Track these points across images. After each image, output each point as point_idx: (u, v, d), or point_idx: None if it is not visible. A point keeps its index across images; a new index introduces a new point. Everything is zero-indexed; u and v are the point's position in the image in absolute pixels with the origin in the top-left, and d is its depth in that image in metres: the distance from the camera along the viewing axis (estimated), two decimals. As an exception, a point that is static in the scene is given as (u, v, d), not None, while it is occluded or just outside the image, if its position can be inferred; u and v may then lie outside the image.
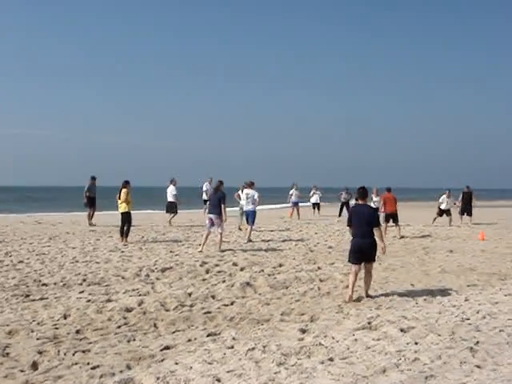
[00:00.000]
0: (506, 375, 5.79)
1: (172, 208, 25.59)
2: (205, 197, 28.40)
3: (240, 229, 22.85)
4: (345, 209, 30.07)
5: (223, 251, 16.40)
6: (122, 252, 15.97)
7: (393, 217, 21.92)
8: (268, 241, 19.51)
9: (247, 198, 19.86)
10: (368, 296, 10.49)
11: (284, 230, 23.72)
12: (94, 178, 25.06)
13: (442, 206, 27.88)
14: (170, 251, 16.21)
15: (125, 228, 18.36)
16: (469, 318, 8.55)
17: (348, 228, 10.95)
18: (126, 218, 18.36)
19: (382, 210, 21.63)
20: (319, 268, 13.62)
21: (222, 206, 16.71)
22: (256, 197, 19.75)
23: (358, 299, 10.30)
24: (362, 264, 10.46)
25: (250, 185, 20.08)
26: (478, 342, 7.13)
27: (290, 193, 32.75)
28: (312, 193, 34.50)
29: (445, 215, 27.78)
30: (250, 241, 19.13)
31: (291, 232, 23.15)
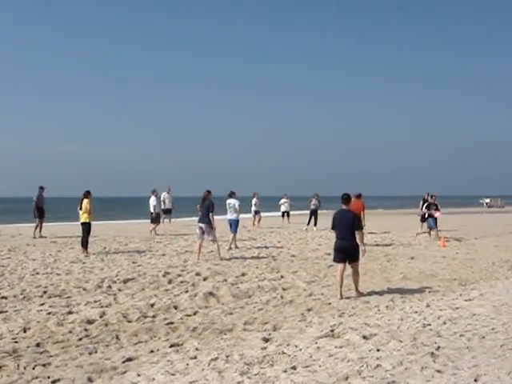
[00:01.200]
0: (465, 379, 5.85)
1: (157, 218, 26.36)
2: (164, 206, 29.48)
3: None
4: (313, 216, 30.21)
5: (223, 259, 16.68)
6: (84, 263, 15.80)
7: None
8: (230, 250, 19.46)
9: (229, 208, 20.06)
10: (358, 292, 11.50)
11: (247, 239, 23.71)
12: (42, 188, 24.80)
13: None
14: (133, 262, 16.09)
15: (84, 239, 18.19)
16: (430, 324, 8.64)
17: (332, 231, 11.77)
18: (87, 229, 18.19)
19: None
20: (282, 277, 13.64)
21: (211, 214, 16.82)
22: (237, 206, 19.97)
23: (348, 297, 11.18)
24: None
25: (231, 194, 20.26)
26: (438, 347, 7.20)
27: (253, 202, 32.77)
28: (282, 201, 34.61)
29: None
30: (236, 247, 19.81)
31: (254, 241, 23.16)
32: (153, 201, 26.55)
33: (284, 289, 12.06)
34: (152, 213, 26.32)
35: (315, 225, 30.01)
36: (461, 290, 11.93)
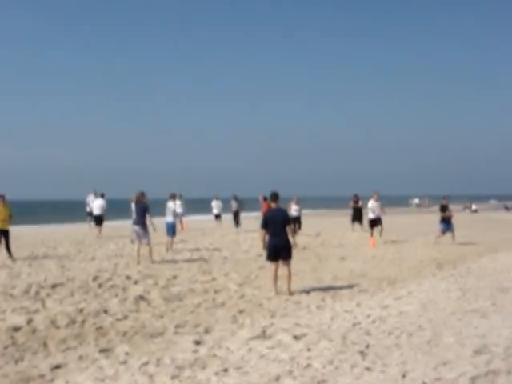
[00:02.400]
0: (393, 376, 5.95)
1: (101, 220, 26.80)
2: (88, 209, 29.74)
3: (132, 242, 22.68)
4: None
5: (154, 262, 16.36)
6: (11, 269, 15.37)
7: None
8: (162, 253, 19.28)
9: (167, 210, 19.98)
10: (290, 293, 11.59)
11: (179, 241, 23.56)
12: None
13: (371, 215, 23.83)
14: (62, 266, 15.75)
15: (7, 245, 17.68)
16: (360, 323, 8.75)
17: (261, 230, 11.84)
18: (6, 234, 17.65)
19: None
20: (214, 279, 13.60)
21: (148, 216, 16.67)
22: (175, 208, 20.29)
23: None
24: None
25: (172, 196, 20.30)
26: (368, 346, 7.30)
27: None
28: (214, 204, 34.44)
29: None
30: (171, 250, 19.72)
31: (186, 243, 23.04)
32: (101, 203, 27.27)
33: (216, 291, 12.03)
34: (99, 215, 26.88)
35: (237, 226, 30.13)
36: (390, 289, 12.14)
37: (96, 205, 27.35)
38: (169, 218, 19.94)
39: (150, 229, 16.78)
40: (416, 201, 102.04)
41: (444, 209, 22.78)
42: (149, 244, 16.69)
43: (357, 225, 29.39)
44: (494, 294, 10.94)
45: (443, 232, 22.36)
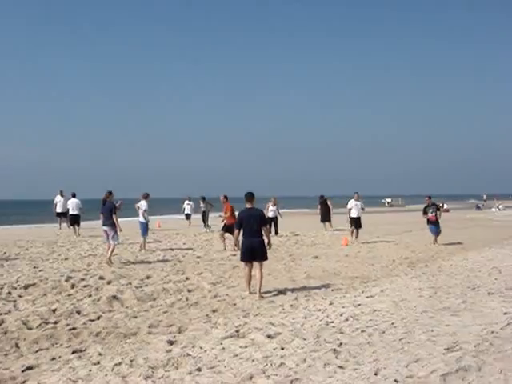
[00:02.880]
0: (366, 373, 6.00)
1: (77, 220, 27.07)
2: (58, 209, 29.47)
3: None
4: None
5: (111, 264, 16.01)
6: (-18, 270, 15.18)
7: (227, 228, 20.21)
8: (135, 252, 19.19)
9: (138, 210, 20.09)
10: (260, 296, 11.28)
11: (152, 241, 23.48)
12: None
13: (353, 214, 23.68)
14: (34, 267, 15.58)
15: None
16: (333, 321, 8.81)
17: (236, 231, 11.77)
18: None
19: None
20: (187, 278, 13.57)
21: (114, 216, 16.49)
22: (144, 208, 19.98)
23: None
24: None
25: (145, 197, 20.29)
26: (341, 344, 7.35)
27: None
28: (185, 204, 34.31)
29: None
30: (144, 249, 19.75)
31: (160, 243, 22.97)
32: (78, 202, 27.37)
33: (189, 290, 12.00)
34: (76, 215, 27.13)
35: (205, 226, 30.15)
36: (362, 288, 12.21)
37: (72, 204, 27.29)
38: (140, 218, 20.03)
39: (116, 229, 16.60)
40: (388, 200, 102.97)
41: (426, 210, 22.38)
42: (114, 244, 16.50)
43: (327, 224, 29.62)
44: (465, 291, 11.08)
45: (433, 233, 22.09)
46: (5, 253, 19.09)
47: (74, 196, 27.80)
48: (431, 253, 18.86)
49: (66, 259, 17.27)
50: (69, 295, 11.56)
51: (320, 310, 9.88)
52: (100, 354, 7.48)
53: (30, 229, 33.55)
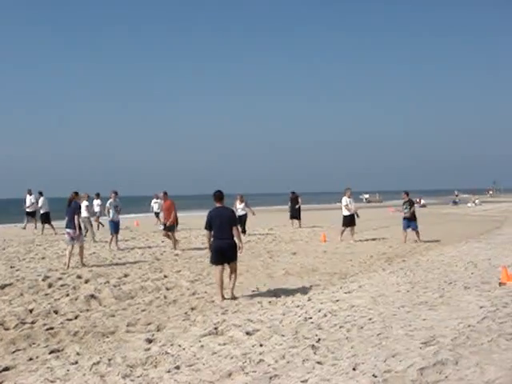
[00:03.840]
0: (344, 368, 6.03)
1: (48, 218, 27.22)
2: (31, 208, 29.02)
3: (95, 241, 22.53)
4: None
5: (85, 265, 15.66)
6: (-43, 270, 15.00)
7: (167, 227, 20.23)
8: (113, 251, 19.10)
9: (116, 208, 19.96)
10: (233, 297, 10.94)
11: (129, 239, 23.39)
12: None
13: (346, 212, 22.42)
14: (11, 266, 15.45)
15: None
16: (311, 317, 8.83)
17: (206, 232, 11.10)
18: None
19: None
20: (165, 276, 13.55)
21: (76, 217, 15.69)
22: (116, 206, 19.92)
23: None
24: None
25: (114, 194, 20.16)
26: (319, 340, 7.37)
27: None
28: (153, 202, 33.64)
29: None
30: (118, 249, 19.55)
31: (137, 241, 22.89)
32: (41, 201, 27.59)
33: (167, 288, 11.98)
34: (47, 213, 27.26)
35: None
36: (341, 283, 12.27)
37: (42, 203, 27.50)
38: (110, 216, 19.96)
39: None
40: (366, 196, 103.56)
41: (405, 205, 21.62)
42: (81, 246, 15.94)
43: (295, 222, 29.56)
44: (441, 286, 11.16)
45: (404, 229, 21.37)
46: (-20, 253, 18.89)
47: (41, 194, 27.88)
48: (408, 248, 19.00)
49: (42, 258, 17.15)
50: (46, 295, 11.48)
51: (298, 306, 9.91)
52: (78, 354, 7.44)
53: (4, 228, 33.20)
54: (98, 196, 28.08)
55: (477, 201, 72.02)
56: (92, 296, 11.12)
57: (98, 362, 6.93)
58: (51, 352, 7.61)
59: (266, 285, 12.32)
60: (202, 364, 6.66)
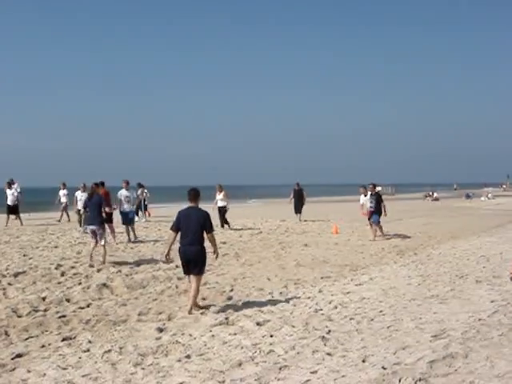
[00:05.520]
0: (354, 360, 6.05)
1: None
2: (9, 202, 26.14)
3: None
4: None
5: (105, 264, 13.84)
6: (-29, 258, 15.11)
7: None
8: (123, 242, 19.11)
9: (126, 199, 19.22)
10: (191, 310, 9.02)
11: (142, 229, 23.45)
12: None
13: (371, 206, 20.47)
14: (24, 255, 15.54)
15: None
16: (322, 309, 8.87)
17: (170, 232, 9.66)
18: None
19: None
20: (177, 266, 13.50)
21: (107, 209, 14.76)
22: (131, 196, 19.50)
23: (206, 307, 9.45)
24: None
25: (125, 184, 19.58)
26: (329, 331, 7.40)
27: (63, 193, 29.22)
28: (139, 192, 31.61)
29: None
30: (136, 238, 19.17)
31: (149, 231, 22.95)
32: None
33: (179, 278, 11.99)
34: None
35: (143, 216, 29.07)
36: (352, 275, 12.28)
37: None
38: (124, 207, 19.24)
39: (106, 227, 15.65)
40: (378, 188, 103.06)
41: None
42: (104, 245, 14.18)
43: (299, 215, 28.35)
44: (453, 280, 11.16)
45: (376, 223, 20.10)
46: (-6, 241, 19.01)
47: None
48: (420, 241, 18.95)
49: (55, 247, 17.23)
50: (59, 283, 11.56)
51: (309, 297, 9.94)
52: (90, 342, 7.50)
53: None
54: (64, 186, 27.67)
55: (490, 195, 71.53)
56: (104, 285, 11.19)
57: (110, 350, 7.00)
58: (63, 339, 7.68)
59: (278, 276, 12.35)
60: (213, 353, 6.71)
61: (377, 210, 20.09)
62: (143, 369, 6.27)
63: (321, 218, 29.66)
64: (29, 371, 6.38)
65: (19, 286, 11.28)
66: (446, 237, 20.42)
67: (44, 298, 10.11)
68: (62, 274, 12.44)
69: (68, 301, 10.02)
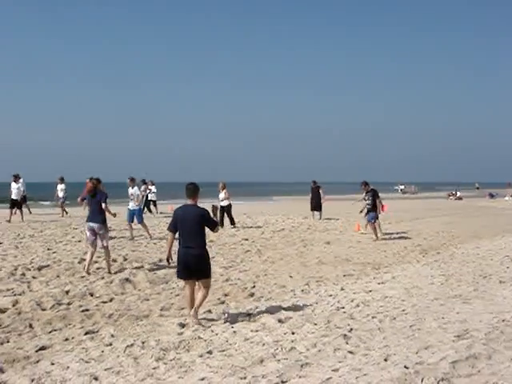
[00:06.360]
0: (376, 359, 6.03)
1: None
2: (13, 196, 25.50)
3: None
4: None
5: (111, 273, 12.31)
6: (-4, 251, 15.28)
7: None
8: (146, 238, 19.16)
9: (131, 196, 18.72)
10: (195, 314, 8.14)
11: (164, 225, 23.49)
12: None
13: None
14: (48, 249, 15.70)
15: None
16: (344, 307, 8.86)
17: (170, 235, 8.42)
18: None
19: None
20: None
21: (107, 208, 12.83)
22: (138, 193, 18.88)
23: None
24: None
25: (130, 182, 18.77)
26: (351, 329, 7.39)
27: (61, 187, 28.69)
28: (143, 188, 28.57)
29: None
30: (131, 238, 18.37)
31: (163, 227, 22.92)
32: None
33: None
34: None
35: (150, 212, 28.98)
36: (374, 274, 12.25)
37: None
38: (132, 204, 18.73)
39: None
40: (401, 187, 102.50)
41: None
42: (107, 247, 12.60)
43: (316, 213, 27.73)
44: (476, 279, 11.08)
45: (372, 223, 19.37)
46: (19, 235, 19.19)
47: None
48: (443, 240, 18.81)
49: (79, 241, 17.34)
50: (82, 277, 11.66)
51: (331, 295, 9.93)
52: (112, 336, 7.57)
53: (45, 210, 33.66)
54: (62, 181, 27.61)
55: (514, 194, 70.81)
56: (127, 280, 11.27)
57: (132, 345, 7.05)
58: (86, 333, 7.77)
59: (300, 273, 12.35)
60: (234, 350, 6.73)
61: (373, 208, 19.44)
62: (165, 363, 6.31)
63: (342, 215, 29.55)
64: (52, 364, 6.45)
65: (43, 279, 11.41)
66: (469, 236, 20.26)
67: (67, 292, 10.22)
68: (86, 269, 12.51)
69: (91, 295, 10.12)
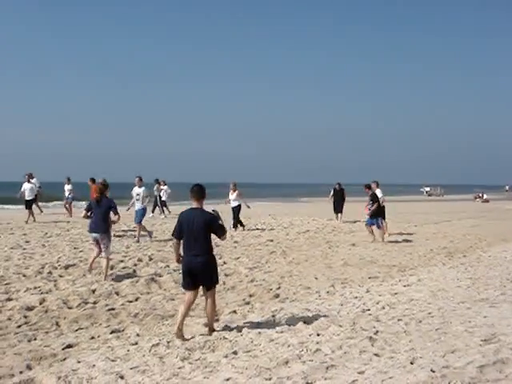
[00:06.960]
0: (402, 362, 5.99)
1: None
2: (27, 197, 24.81)
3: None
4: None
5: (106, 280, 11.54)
6: (24, 249, 15.43)
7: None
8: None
9: (136, 196, 18.12)
10: (211, 330, 7.71)
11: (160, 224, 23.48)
12: None
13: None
14: (74, 248, 15.82)
15: None
16: (369, 309, 8.82)
17: (175, 242, 7.93)
18: None
19: None
20: (225, 263, 13.65)
21: (116, 216, 12.30)
22: (143, 194, 18.01)
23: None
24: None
25: (138, 181, 18.23)
26: (377, 332, 7.35)
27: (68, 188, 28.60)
28: (155, 188, 29.07)
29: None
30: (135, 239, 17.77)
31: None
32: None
33: (226, 275, 12.09)
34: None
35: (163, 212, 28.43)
36: (400, 276, 12.17)
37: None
38: (137, 204, 18.20)
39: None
40: (427, 189, 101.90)
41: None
42: (107, 257, 11.94)
43: (340, 215, 27.23)
44: (503, 283, 10.97)
45: (368, 225, 19.14)
46: (46, 233, 19.38)
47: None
48: (470, 243, 18.64)
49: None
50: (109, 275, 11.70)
51: (356, 297, 9.89)
52: (138, 335, 7.63)
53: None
54: (69, 181, 27.50)
55: (543, 197, 70.10)
56: (152, 279, 11.32)
57: (158, 344, 7.08)
58: (112, 332, 7.83)
59: (325, 274, 12.32)
60: (260, 351, 6.73)
61: (377, 212, 19.02)
62: (190, 363, 6.32)
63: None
64: (79, 362, 6.51)
65: (70, 278, 11.51)
66: (496, 239, 20.06)
67: (94, 291, 10.29)
68: (111, 268, 12.59)
69: (117, 294, 10.19)
